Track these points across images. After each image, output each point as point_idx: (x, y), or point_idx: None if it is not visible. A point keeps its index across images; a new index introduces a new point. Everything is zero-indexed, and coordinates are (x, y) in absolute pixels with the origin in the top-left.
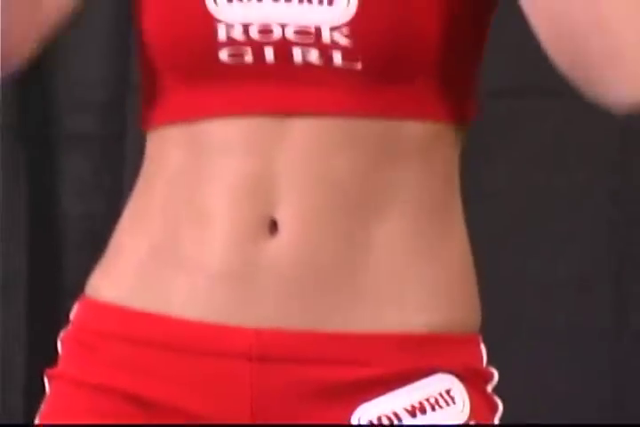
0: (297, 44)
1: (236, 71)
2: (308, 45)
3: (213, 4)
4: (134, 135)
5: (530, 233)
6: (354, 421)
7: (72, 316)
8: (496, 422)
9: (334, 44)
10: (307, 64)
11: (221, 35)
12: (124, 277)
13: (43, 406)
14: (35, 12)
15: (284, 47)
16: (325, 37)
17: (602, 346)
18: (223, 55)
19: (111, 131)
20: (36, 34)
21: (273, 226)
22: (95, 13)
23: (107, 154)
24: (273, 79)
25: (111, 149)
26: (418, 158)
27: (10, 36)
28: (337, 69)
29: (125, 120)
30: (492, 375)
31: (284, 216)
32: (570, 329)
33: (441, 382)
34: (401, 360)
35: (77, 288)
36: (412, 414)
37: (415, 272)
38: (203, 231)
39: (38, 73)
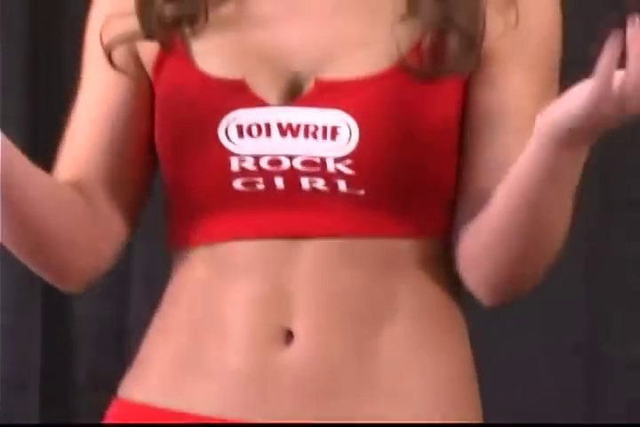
0: (304, 173)
1: (250, 198)
2: (315, 175)
3: (226, 139)
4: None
5: None
6: None
7: (107, 414)
8: None
9: (339, 174)
10: (314, 191)
11: (234, 166)
12: (153, 382)
13: None
14: (94, 255)
15: (292, 176)
16: (330, 167)
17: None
18: (237, 184)
19: None
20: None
21: (289, 335)
22: None
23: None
24: (283, 205)
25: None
26: (417, 269)
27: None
28: (342, 195)
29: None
30: None
31: (298, 327)
32: None
33: None
34: None
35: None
36: None
37: (418, 369)
38: (224, 341)
39: None
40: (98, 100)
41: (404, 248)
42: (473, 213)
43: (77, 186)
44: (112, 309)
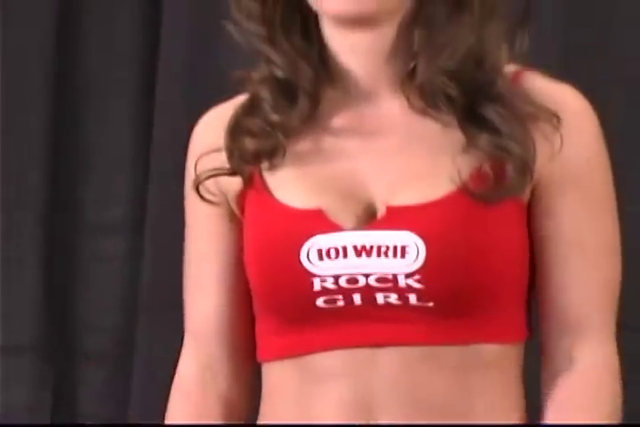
0: (379, 289)
1: (331, 313)
2: (388, 290)
3: (308, 262)
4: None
5: None
6: None
7: None
8: None
9: (409, 288)
10: (388, 304)
11: (317, 286)
12: None
13: None
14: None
15: (368, 292)
16: (401, 283)
17: None
18: (319, 302)
19: (121, 351)
20: None
21: None
22: None
23: (117, 367)
24: (362, 318)
25: (121, 364)
26: (490, 370)
27: None
28: (413, 308)
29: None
30: None
31: (385, 420)
32: None
33: None
34: None
35: None
36: None
37: None
38: None
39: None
40: (206, 244)
41: (476, 354)
42: (551, 326)
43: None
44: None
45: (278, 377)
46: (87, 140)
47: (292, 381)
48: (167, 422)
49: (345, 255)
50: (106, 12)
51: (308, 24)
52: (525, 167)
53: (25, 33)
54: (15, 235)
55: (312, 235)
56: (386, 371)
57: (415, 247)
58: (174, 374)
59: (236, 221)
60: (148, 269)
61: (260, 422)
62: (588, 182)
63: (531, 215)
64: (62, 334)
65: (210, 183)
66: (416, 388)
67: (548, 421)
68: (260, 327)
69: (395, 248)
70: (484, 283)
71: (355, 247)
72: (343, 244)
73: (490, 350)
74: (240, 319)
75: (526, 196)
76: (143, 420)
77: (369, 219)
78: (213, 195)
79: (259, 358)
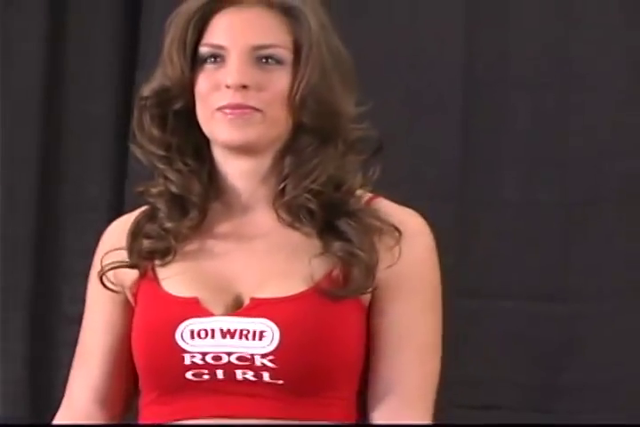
0: (238, 366)
1: (198, 386)
2: (246, 367)
3: (182, 341)
4: None
5: None
6: None
7: None
8: None
9: (264, 367)
10: (245, 380)
11: (187, 360)
12: None
13: None
14: None
15: (229, 368)
16: (257, 362)
17: None
18: (189, 375)
19: None
20: None
21: None
22: None
23: None
24: (223, 391)
25: None
26: None
27: None
28: (266, 384)
29: None
30: None
31: None
32: None
33: None
34: None
35: None
36: None
37: None
38: None
39: None
40: (101, 321)
41: None
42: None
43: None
44: None
45: None
46: None
47: None
48: None
49: (212, 336)
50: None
51: (200, 148)
52: (369, 272)
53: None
54: None
55: (187, 318)
56: None
57: (271, 332)
58: None
59: (128, 307)
60: None
61: None
62: (419, 289)
63: (368, 315)
64: None
65: (111, 274)
66: None
67: None
68: (143, 399)
69: (254, 332)
70: (326, 365)
71: (221, 330)
72: (212, 326)
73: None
74: (115, 390)
75: (367, 298)
76: None
77: (236, 307)
78: (113, 284)
79: (139, 422)
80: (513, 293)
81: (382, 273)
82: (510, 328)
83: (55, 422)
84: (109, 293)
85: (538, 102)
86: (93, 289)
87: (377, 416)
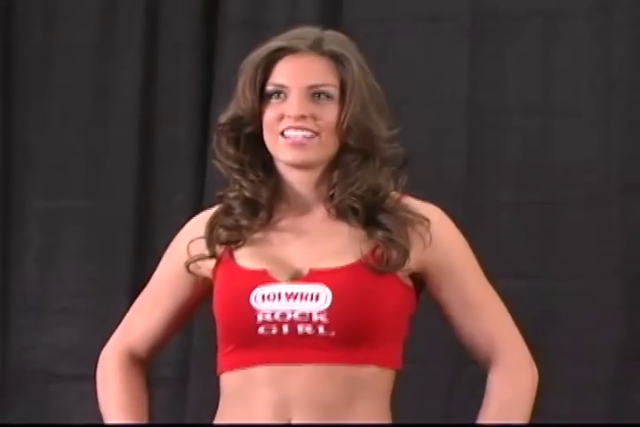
0: (299, 322)
1: (267, 339)
2: (305, 323)
3: (255, 303)
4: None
5: None
6: None
7: None
8: None
9: (319, 322)
10: (305, 334)
11: (259, 318)
12: None
13: None
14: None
15: (292, 324)
16: (314, 318)
17: None
18: (260, 330)
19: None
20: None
21: (290, 425)
22: None
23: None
24: (287, 343)
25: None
26: (369, 383)
27: None
28: (321, 336)
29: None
30: None
31: (296, 419)
32: None
33: None
34: None
35: None
36: None
37: None
38: None
39: None
40: (170, 289)
41: (365, 372)
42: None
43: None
44: None
45: (229, 384)
46: None
47: (237, 386)
48: (101, 385)
49: (279, 299)
50: None
51: (267, 163)
52: (405, 254)
53: None
54: None
55: (258, 285)
56: (297, 382)
57: (325, 294)
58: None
59: (194, 284)
60: None
61: (216, 419)
62: (459, 259)
63: (428, 292)
64: None
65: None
66: (317, 395)
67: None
68: (222, 351)
69: (312, 294)
70: (368, 322)
71: (286, 293)
72: (279, 291)
73: (370, 371)
74: (161, 341)
75: (404, 273)
76: None
77: (297, 277)
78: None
79: (218, 371)
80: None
81: (420, 255)
82: None
83: (106, 351)
84: (184, 271)
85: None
86: (170, 264)
87: (493, 361)
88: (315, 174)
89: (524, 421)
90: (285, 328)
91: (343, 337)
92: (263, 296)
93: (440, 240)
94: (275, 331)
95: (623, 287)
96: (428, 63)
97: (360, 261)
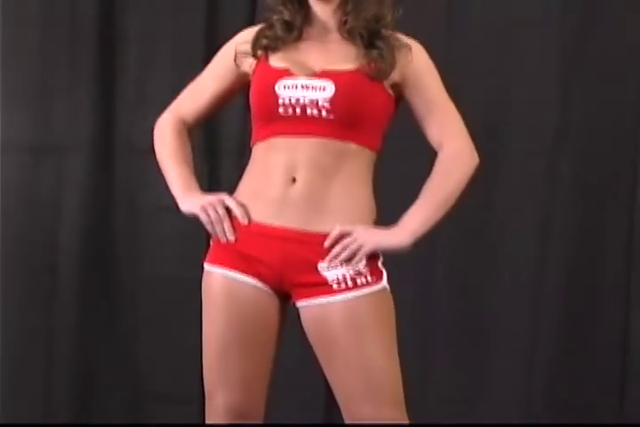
0: (309, 106)
1: (284, 117)
2: (313, 107)
3: (278, 90)
4: None
5: None
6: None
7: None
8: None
9: (323, 107)
10: (312, 115)
11: (280, 101)
12: (240, 198)
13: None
14: None
15: (303, 108)
16: (320, 104)
17: None
18: (281, 111)
19: None
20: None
21: (294, 180)
22: None
23: None
24: (299, 121)
25: None
26: (353, 156)
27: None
28: (324, 118)
29: None
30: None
31: (298, 177)
32: None
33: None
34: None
35: None
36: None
37: (345, 204)
38: (269, 183)
39: None
40: (218, 74)
41: (350, 148)
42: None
43: (185, 119)
44: None
45: (257, 151)
46: None
47: (262, 152)
48: (158, 140)
49: (296, 88)
50: None
51: None
52: (392, 67)
53: None
54: None
55: (282, 78)
56: (303, 150)
57: (330, 87)
58: None
59: (237, 77)
60: None
61: (238, 188)
62: (427, 80)
63: (406, 94)
64: None
65: (239, 58)
66: (316, 159)
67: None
68: (254, 126)
69: (320, 87)
70: (360, 111)
71: (302, 85)
72: (296, 83)
73: (355, 147)
74: (205, 116)
75: (389, 83)
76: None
77: (311, 74)
78: (240, 62)
79: (251, 144)
80: None
81: (402, 70)
82: None
83: (162, 117)
84: (232, 64)
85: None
86: (227, 55)
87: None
88: (333, 5)
89: (458, 189)
90: (298, 110)
91: (339, 120)
92: (284, 86)
93: (417, 62)
94: (290, 112)
95: None
96: None
97: (359, 69)
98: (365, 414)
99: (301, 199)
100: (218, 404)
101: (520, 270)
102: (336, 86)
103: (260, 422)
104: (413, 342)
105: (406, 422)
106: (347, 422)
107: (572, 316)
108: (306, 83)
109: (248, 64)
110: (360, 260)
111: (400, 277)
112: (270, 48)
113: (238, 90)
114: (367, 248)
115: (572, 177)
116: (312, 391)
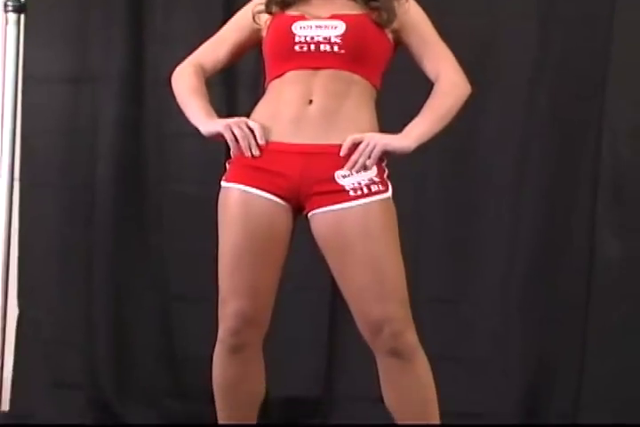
0: (322, 43)
1: (300, 54)
2: (326, 43)
3: (295, 30)
4: None
5: None
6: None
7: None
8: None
9: (335, 43)
10: (325, 51)
11: (296, 40)
12: (258, 120)
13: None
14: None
15: (317, 45)
16: (332, 40)
17: None
18: (297, 48)
19: None
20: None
21: (311, 102)
22: None
23: None
24: (313, 56)
25: None
26: (359, 85)
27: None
28: (336, 53)
29: None
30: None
31: (315, 98)
32: None
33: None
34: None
35: None
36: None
37: (356, 119)
38: (286, 106)
39: None
40: (236, 28)
41: (357, 78)
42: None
43: (204, 66)
44: None
45: (271, 86)
46: None
47: (276, 85)
48: (178, 82)
49: (311, 28)
50: None
51: None
52: (392, 14)
53: None
54: None
55: (298, 21)
56: (317, 79)
57: (340, 26)
58: None
59: (254, 33)
60: None
61: (256, 109)
62: (422, 25)
63: (406, 39)
64: None
65: (256, 16)
66: (329, 86)
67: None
68: (269, 67)
69: (332, 26)
70: (365, 48)
71: (316, 25)
72: (310, 24)
73: (360, 79)
74: (223, 65)
75: (389, 30)
76: None
77: (323, 17)
78: (257, 19)
79: (266, 85)
80: None
81: (401, 18)
82: None
83: (183, 63)
84: (249, 22)
85: None
86: (241, 17)
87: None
88: None
89: (455, 107)
90: (312, 47)
91: (348, 55)
92: (300, 26)
93: (413, 11)
94: (305, 48)
95: None
96: None
97: (365, 14)
98: (376, 311)
99: (318, 117)
100: (229, 309)
101: (502, 190)
102: (347, 25)
103: (266, 326)
104: (407, 248)
105: (410, 318)
106: (357, 320)
107: (546, 228)
108: (319, 23)
109: (263, 21)
110: (376, 158)
111: (398, 192)
112: (286, 4)
113: (253, 44)
114: (380, 148)
115: (547, 107)
116: (318, 293)
